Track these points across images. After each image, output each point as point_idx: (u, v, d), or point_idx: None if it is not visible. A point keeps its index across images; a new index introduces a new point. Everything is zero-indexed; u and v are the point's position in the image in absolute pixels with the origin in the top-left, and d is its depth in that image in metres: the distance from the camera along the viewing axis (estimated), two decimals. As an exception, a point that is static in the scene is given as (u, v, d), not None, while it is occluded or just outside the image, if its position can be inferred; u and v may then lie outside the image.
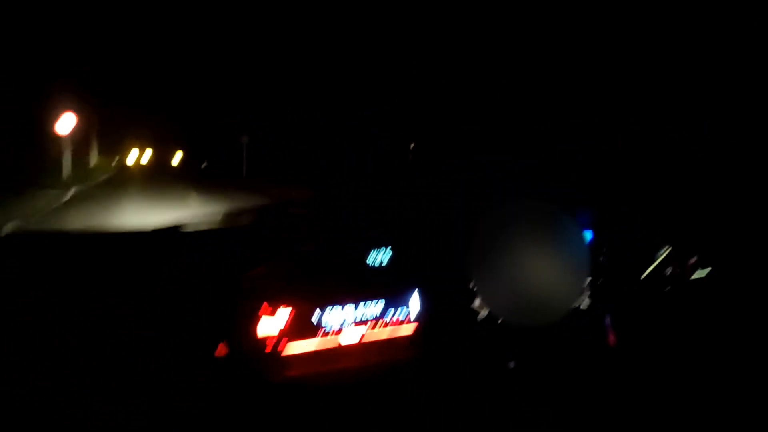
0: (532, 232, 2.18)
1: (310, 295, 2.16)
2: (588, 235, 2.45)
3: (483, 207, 2.55)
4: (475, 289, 2.32)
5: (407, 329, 2.25)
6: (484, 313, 2.32)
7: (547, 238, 2.19)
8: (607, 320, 2.25)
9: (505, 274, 2.17)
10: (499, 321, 2.26)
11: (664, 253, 2.56)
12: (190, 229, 2.22)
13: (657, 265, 2.51)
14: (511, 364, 2.22)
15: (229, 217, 2.37)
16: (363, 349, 2.20)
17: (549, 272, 2.16)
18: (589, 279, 2.28)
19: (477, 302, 2.33)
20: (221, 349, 1.98)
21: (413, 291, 2.26)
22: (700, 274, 2.51)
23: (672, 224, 2.49)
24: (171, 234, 2.20)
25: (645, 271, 2.52)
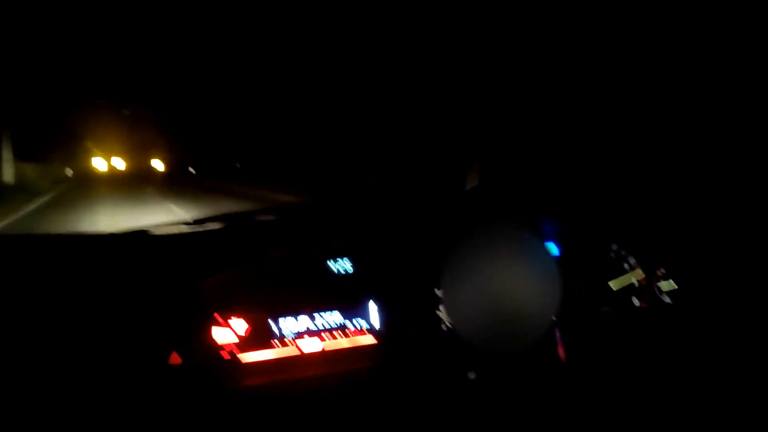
0: (500, 248, 2.16)
1: (268, 304, 2.15)
2: (554, 248, 2.43)
3: (447, 219, 2.54)
4: (440, 298, 2.30)
5: (368, 339, 2.24)
6: (449, 323, 2.31)
7: (515, 256, 2.17)
8: (557, 333, 2.23)
9: (471, 290, 2.15)
10: (463, 336, 2.24)
11: (632, 264, 2.55)
12: (153, 234, 2.21)
13: (625, 277, 2.50)
14: (472, 375, 2.20)
15: (195, 223, 2.36)
16: (323, 358, 2.18)
17: (517, 291, 2.14)
18: (559, 298, 2.25)
19: (442, 311, 2.32)
20: (175, 357, 1.96)
21: (374, 301, 2.25)
22: (668, 286, 2.51)
23: (639, 234, 2.48)
24: (132, 239, 2.19)
25: (613, 282, 2.51)
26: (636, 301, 2.51)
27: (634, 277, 2.50)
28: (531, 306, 2.14)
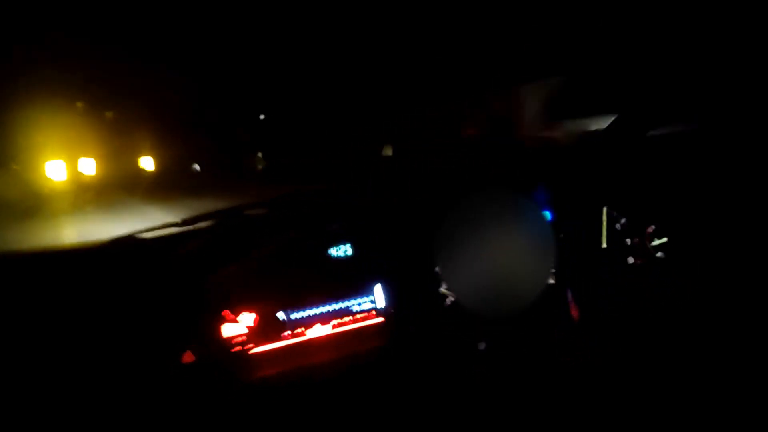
0: (494, 217, 2.18)
1: (274, 295, 2.16)
2: (547, 214, 2.46)
3: (442, 193, 2.56)
4: (441, 275, 2.33)
5: (375, 320, 2.26)
6: (452, 297, 2.34)
7: (509, 223, 2.19)
8: (569, 295, 2.27)
9: (469, 260, 2.17)
10: (467, 308, 2.27)
11: (623, 224, 2.59)
12: (146, 237, 2.20)
13: (616, 236, 2.54)
14: (482, 346, 2.24)
15: (187, 222, 2.35)
16: (331, 342, 2.21)
17: (514, 257, 2.17)
18: (554, 261, 2.28)
19: (444, 286, 2.35)
20: (188, 356, 1.98)
21: (378, 282, 2.27)
22: (659, 242, 2.56)
23: (629, 195, 2.52)
24: (126, 243, 2.17)
25: (603, 241, 2.54)
26: (631, 260, 2.56)
27: (626, 236, 2.55)
28: (527, 269, 2.17)
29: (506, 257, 2.17)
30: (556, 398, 2.20)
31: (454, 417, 2.15)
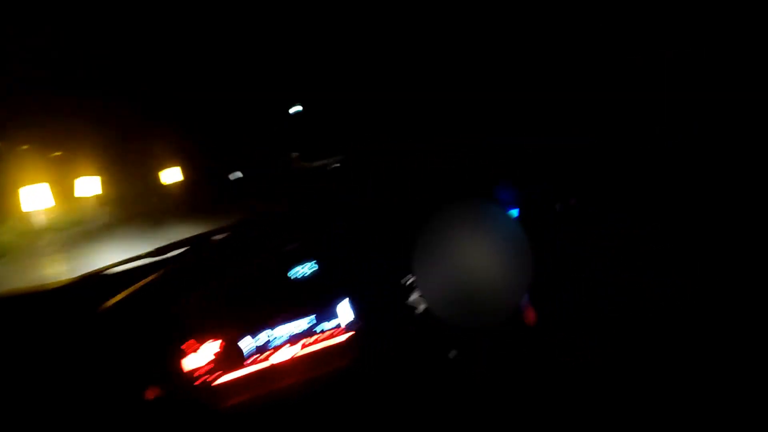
0: (465, 223, 2.15)
1: (237, 322, 2.14)
2: (514, 212, 2.43)
3: (409, 199, 2.53)
4: (412, 285, 2.29)
5: (343, 337, 2.23)
6: (421, 307, 2.30)
7: (481, 228, 2.15)
8: (525, 299, 2.22)
9: (443, 269, 2.14)
10: (438, 319, 2.23)
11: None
12: (113, 272, 2.21)
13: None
14: (452, 354, 2.20)
15: (156, 253, 2.35)
16: (299, 364, 2.18)
17: (488, 263, 2.12)
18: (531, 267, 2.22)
19: (413, 297, 2.31)
20: (151, 392, 1.96)
21: (342, 299, 2.24)
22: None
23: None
24: (94, 281, 2.18)
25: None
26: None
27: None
28: (503, 277, 2.13)
29: (479, 264, 2.13)
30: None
31: (435, 425, 2.12)
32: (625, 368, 2.28)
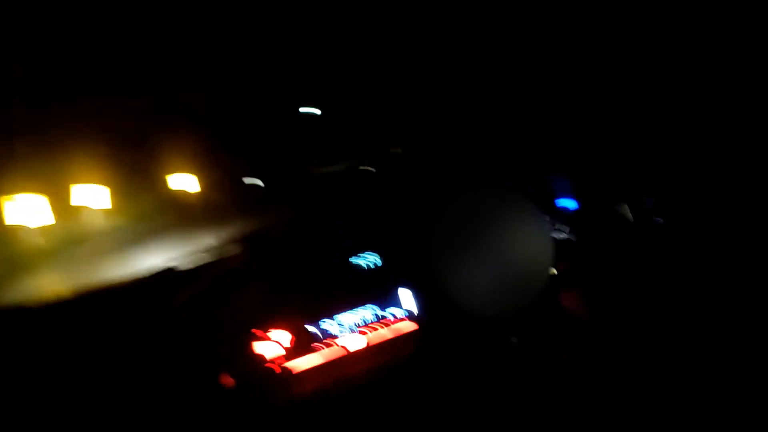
0: (493, 216, 2.17)
1: (304, 310, 2.21)
2: (572, 203, 2.46)
3: (452, 194, 2.57)
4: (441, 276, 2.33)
5: (408, 326, 2.29)
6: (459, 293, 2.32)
7: (509, 221, 2.17)
8: (576, 293, 2.24)
9: (471, 260, 2.16)
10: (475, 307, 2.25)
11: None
12: (180, 269, 2.27)
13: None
14: (514, 339, 2.23)
15: (215, 250, 2.42)
16: (368, 352, 2.24)
17: (515, 254, 2.15)
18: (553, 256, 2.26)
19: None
20: (226, 379, 2.02)
21: (407, 289, 2.30)
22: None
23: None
24: (164, 276, 2.26)
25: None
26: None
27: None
28: (531, 263, 2.16)
29: (508, 255, 2.16)
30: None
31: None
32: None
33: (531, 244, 2.18)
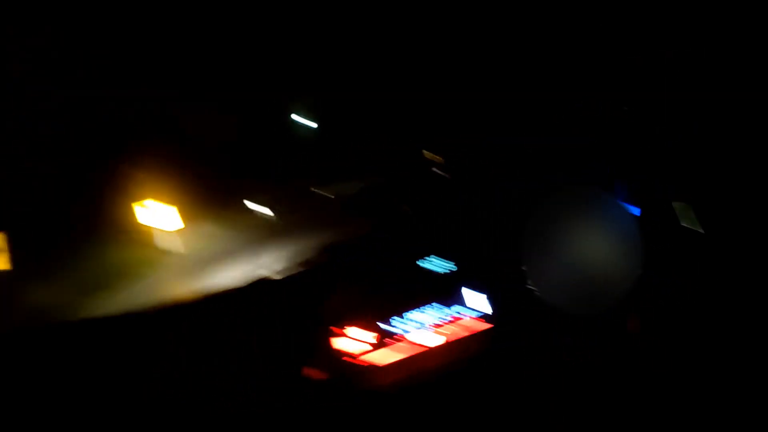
0: (578, 215, 2.19)
1: (380, 309, 2.28)
2: (635, 210, 2.47)
3: (530, 197, 2.60)
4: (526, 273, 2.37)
5: (481, 326, 2.36)
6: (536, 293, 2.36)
7: (594, 220, 2.20)
8: (631, 305, 2.26)
9: (556, 258, 2.19)
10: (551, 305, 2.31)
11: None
12: (274, 278, 2.37)
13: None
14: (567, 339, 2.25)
15: (303, 260, 2.54)
16: (444, 349, 2.32)
17: (600, 253, 2.17)
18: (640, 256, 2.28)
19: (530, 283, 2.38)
20: (309, 371, 2.12)
21: (479, 291, 2.36)
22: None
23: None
24: (259, 285, 2.40)
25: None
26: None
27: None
28: (612, 266, 2.18)
29: (590, 253, 2.18)
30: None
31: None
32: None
33: (615, 247, 2.19)
